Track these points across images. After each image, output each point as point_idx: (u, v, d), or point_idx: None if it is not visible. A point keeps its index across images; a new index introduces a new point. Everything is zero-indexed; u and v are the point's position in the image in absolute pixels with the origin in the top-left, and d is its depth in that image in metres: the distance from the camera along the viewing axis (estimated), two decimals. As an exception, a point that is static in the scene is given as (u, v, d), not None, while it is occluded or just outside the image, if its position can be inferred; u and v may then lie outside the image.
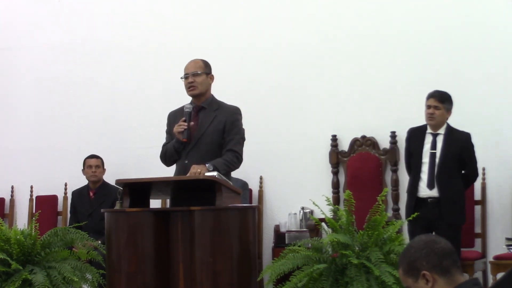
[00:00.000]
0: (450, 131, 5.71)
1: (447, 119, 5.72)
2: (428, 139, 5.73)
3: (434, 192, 5.63)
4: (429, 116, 5.68)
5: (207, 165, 4.76)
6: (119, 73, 7.46)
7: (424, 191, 5.67)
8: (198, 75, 5.02)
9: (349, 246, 4.63)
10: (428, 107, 5.69)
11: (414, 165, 5.77)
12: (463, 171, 5.75)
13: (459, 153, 5.66)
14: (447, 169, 5.63)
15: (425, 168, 5.69)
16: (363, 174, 6.60)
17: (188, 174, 4.75)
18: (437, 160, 5.66)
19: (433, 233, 5.35)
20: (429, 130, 5.74)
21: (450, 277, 2.64)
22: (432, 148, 5.69)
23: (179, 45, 7.17)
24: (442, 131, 5.71)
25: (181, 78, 5.08)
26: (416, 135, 5.81)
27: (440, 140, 5.70)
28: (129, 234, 4.46)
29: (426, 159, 5.70)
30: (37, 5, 7.79)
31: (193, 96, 5.05)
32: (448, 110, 5.69)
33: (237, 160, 4.95)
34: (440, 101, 5.66)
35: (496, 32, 6.37)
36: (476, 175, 5.81)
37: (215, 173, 4.55)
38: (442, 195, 5.60)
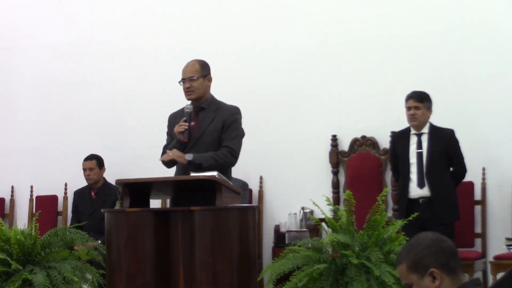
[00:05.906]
0: (434, 129, 5.76)
1: (428, 117, 5.77)
2: (413, 140, 5.76)
3: (425, 191, 5.66)
4: (411, 117, 5.73)
5: (186, 155, 4.81)
6: (119, 73, 7.45)
7: (415, 191, 5.69)
8: (194, 80, 5.01)
9: (349, 246, 4.62)
10: (409, 108, 5.74)
11: (402, 167, 5.80)
12: (451, 169, 5.77)
13: (445, 150, 5.70)
14: (435, 166, 5.66)
15: (413, 169, 5.71)
16: (363, 174, 6.60)
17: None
18: (424, 159, 5.70)
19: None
20: (413, 131, 5.79)
21: (455, 277, 2.64)
22: (418, 148, 5.73)
23: (179, 45, 7.16)
24: (425, 130, 5.76)
25: (179, 82, 5.07)
26: (400, 138, 5.87)
27: (425, 139, 5.75)
28: (129, 234, 4.46)
29: (413, 159, 5.73)
30: (37, 5, 7.78)
31: (191, 100, 5.06)
32: (429, 108, 5.74)
33: (230, 154, 4.92)
34: (419, 101, 5.71)
35: (496, 32, 6.37)
36: (465, 171, 5.80)
37: (215, 173, 4.54)
38: (433, 194, 5.63)
